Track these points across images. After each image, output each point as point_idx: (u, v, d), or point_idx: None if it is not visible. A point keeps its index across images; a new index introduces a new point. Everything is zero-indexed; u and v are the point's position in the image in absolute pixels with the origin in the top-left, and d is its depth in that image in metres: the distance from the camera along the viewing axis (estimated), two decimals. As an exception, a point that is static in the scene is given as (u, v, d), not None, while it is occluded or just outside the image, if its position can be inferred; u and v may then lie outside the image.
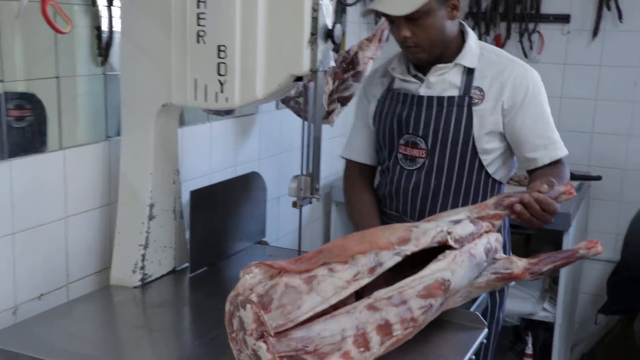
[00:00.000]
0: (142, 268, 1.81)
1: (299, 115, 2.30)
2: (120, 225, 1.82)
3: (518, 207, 1.64)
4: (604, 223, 3.56)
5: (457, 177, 2.01)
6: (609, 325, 3.60)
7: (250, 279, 1.27)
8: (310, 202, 1.73)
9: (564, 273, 2.91)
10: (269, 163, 2.66)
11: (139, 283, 1.81)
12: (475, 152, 1.98)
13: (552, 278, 3.24)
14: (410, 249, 1.39)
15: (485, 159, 2.00)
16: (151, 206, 1.80)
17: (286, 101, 2.38)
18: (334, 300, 1.24)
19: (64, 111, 1.74)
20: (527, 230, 3.48)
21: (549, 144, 1.98)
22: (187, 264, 1.93)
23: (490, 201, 1.66)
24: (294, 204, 1.71)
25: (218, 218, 2.02)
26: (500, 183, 2.07)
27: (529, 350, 3.09)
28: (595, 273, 3.64)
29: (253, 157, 2.56)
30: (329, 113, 2.34)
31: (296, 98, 2.32)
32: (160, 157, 1.81)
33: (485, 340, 1.57)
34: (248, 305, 1.21)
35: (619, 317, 3.55)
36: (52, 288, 1.75)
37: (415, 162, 2.04)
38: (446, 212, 1.67)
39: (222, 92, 1.63)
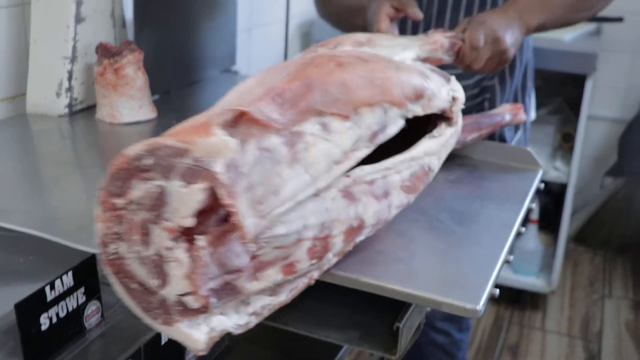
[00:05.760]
0: (69, 90, 1.32)
1: None
2: (36, 31, 1.32)
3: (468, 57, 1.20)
4: (613, 76, 3.14)
5: None
6: (612, 190, 3.28)
7: (218, 137, 0.64)
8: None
9: (581, 126, 2.49)
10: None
11: (66, 110, 1.32)
12: None
13: (563, 135, 2.83)
14: (416, 110, 0.93)
15: None
16: (78, 3, 1.30)
17: None
18: (323, 183, 0.74)
19: None
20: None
21: None
22: (132, 90, 1.45)
23: (445, 42, 1.17)
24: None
25: (173, 32, 1.52)
26: None
27: (535, 215, 2.70)
28: (597, 134, 3.25)
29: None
30: None
31: None
32: None
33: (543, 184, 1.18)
34: (198, 185, 0.61)
35: (623, 182, 3.22)
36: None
37: None
38: (386, 39, 1.14)
39: None
